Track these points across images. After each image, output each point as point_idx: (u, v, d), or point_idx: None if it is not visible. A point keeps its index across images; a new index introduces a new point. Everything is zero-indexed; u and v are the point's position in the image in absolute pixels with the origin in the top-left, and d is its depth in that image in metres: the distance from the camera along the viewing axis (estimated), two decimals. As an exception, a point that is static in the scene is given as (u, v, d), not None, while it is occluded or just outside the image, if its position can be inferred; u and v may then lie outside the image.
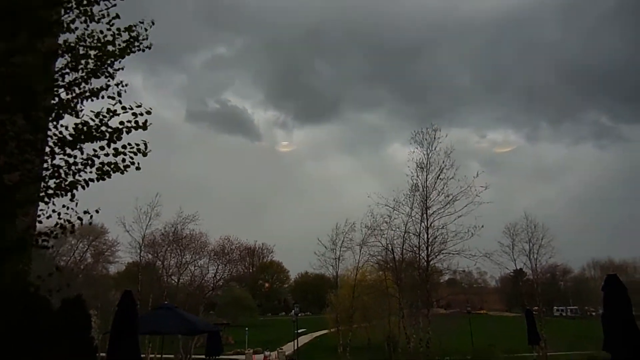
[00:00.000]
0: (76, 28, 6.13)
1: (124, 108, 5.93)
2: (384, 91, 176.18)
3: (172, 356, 37.65)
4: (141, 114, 5.90)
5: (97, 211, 6.31)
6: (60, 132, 5.97)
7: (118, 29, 6.19)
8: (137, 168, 6.00)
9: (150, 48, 6.51)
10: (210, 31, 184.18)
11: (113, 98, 6.15)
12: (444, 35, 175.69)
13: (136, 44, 6.34)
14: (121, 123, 5.94)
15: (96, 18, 6.12)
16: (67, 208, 6.00)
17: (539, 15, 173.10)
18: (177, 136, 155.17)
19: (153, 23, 6.40)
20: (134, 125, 5.88)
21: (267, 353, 40.88)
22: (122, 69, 6.50)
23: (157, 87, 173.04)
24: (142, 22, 6.32)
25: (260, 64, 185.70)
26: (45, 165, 6.05)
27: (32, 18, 5.47)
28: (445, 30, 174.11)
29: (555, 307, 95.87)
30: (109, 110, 5.90)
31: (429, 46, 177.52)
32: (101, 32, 6.12)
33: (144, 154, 5.93)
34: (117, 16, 6.14)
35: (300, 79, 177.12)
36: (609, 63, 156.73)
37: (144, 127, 5.91)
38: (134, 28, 6.28)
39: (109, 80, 6.31)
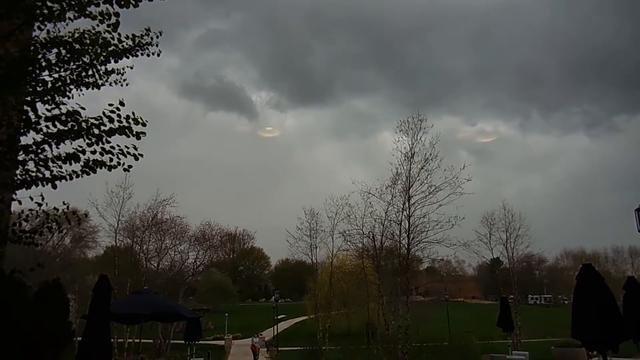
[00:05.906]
0: (70, 19, 5.59)
1: (118, 108, 5.47)
2: (379, 77, 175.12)
3: (150, 341, 37.52)
4: (136, 123, 5.50)
5: (85, 214, 6.12)
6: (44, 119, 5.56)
7: (119, 34, 5.78)
8: (126, 169, 5.67)
9: (159, 55, 6.19)
10: (202, 6, 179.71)
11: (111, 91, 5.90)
12: (438, 21, 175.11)
13: (144, 47, 6.03)
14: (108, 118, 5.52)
15: (92, 15, 5.61)
16: (42, 201, 5.58)
17: (532, 2, 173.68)
18: (168, 116, 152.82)
19: (161, 33, 6.12)
20: (126, 129, 5.47)
21: (255, 339, 37.73)
22: (131, 68, 6.22)
23: (148, 65, 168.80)
24: (149, 30, 6.02)
25: (256, 42, 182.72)
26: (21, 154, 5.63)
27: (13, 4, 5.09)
28: (440, 16, 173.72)
29: (530, 296, 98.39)
30: (105, 115, 5.49)
31: (423, 32, 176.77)
32: (98, 32, 5.69)
33: (135, 157, 5.53)
34: (117, 22, 5.66)
35: (295, 61, 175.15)
36: (603, 50, 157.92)
37: (138, 136, 5.53)
38: (137, 37, 5.95)
39: (106, 75, 6.02)
